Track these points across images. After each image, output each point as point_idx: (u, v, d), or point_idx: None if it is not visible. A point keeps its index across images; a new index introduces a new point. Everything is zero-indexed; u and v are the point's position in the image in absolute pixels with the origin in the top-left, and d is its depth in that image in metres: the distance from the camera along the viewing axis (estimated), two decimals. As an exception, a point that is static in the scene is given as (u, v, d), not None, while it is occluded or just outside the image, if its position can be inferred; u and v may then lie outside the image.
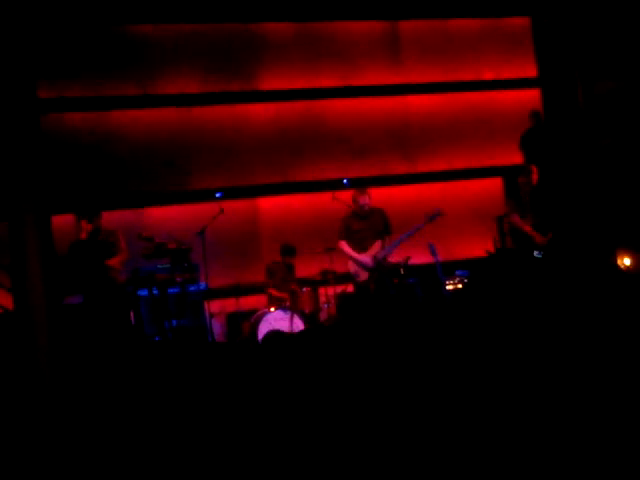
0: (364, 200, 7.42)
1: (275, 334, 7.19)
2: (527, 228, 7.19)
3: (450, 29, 10.00)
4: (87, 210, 6.89)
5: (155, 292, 7.35)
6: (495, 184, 9.87)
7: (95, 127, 8.65)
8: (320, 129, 9.46)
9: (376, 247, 7.36)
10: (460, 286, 7.85)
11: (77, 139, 8.57)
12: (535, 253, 6.83)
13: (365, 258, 7.33)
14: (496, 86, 10.00)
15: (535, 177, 7.41)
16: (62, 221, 7.90)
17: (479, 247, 9.22)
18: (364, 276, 7.36)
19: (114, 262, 6.78)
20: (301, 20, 9.44)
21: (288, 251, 8.36)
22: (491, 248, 8.53)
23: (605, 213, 8.16)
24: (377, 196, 7.78)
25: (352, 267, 7.47)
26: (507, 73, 10.06)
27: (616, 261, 7.30)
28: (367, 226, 7.42)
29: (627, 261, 7.28)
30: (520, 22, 10.21)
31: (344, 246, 7.45)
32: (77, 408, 4.16)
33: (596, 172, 8.67)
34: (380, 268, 7.29)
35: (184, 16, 8.94)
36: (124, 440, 3.50)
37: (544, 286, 5.73)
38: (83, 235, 6.80)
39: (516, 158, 9.20)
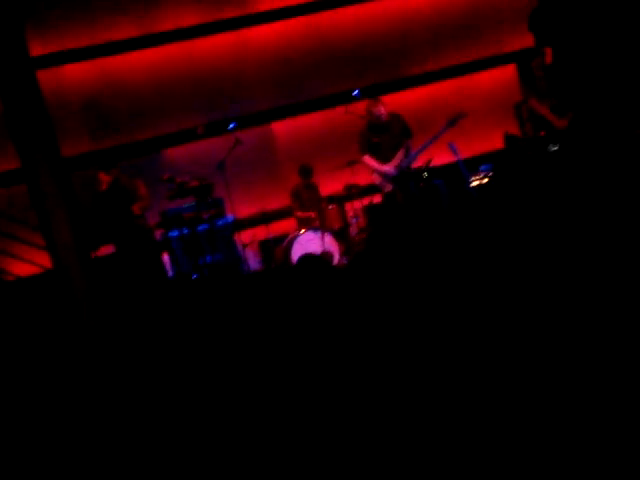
0: (379, 110, 7.25)
1: (307, 258, 7.24)
2: (545, 112, 7.03)
3: None
4: (104, 162, 6.92)
5: (185, 231, 7.42)
6: (509, 72, 9.60)
7: (96, 76, 8.57)
8: (322, 43, 9.23)
9: (399, 156, 7.26)
10: (485, 181, 7.75)
11: (80, 90, 8.53)
12: (550, 147, 6.67)
13: (389, 168, 7.24)
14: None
15: (549, 58, 7.18)
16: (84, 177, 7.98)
17: (500, 139, 9.09)
18: (390, 186, 7.32)
19: (134, 209, 6.85)
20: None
21: (306, 172, 8.34)
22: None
23: (627, 85, 7.91)
24: (391, 103, 7.64)
25: (377, 179, 7.41)
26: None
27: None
28: (387, 137, 7.29)
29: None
30: None
31: (368, 159, 7.34)
32: (121, 353, 4.29)
33: (614, 44, 8.35)
34: (404, 176, 7.22)
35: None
36: (166, 375, 3.61)
37: (563, 178, 5.64)
38: (103, 187, 6.85)
39: (527, 41, 8.88)
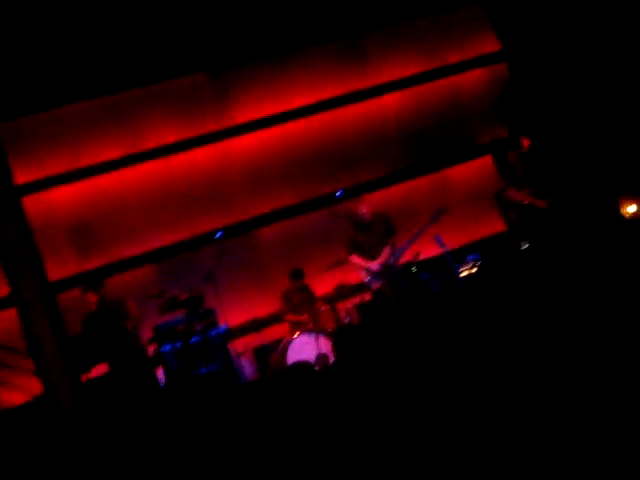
0: (362, 210, 7.44)
1: (300, 367, 7.16)
2: (526, 199, 7.18)
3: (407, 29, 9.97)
4: (91, 282, 6.93)
5: (178, 345, 7.34)
6: (486, 162, 9.80)
7: (81, 197, 8.69)
8: (304, 148, 9.45)
9: (385, 253, 7.35)
10: (474, 270, 7.80)
11: (66, 212, 8.62)
12: (522, 245, 6.77)
13: (373, 265, 7.33)
14: (463, 67, 9.93)
15: (526, 145, 7.38)
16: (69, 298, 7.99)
17: (483, 227, 9.22)
18: (377, 284, 7.36)
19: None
20: (262, 59, 9.44)
21: (296, 275, 8.36)
22: (499, 226, 8.51)
23: (604, 165, 8.10)
24: (374, 201, 7.81)
25: (365, 277, 7.50)
26: (471, 53, 10.00)
27: (620, 210, 7.26)
28: (373, 236, 7.44)
29: (631, 209, 7.24)
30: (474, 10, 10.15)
31: (354, 258, 7.49)
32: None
33: (591, 127, 8.60)
34: (390, 272, 7.27)
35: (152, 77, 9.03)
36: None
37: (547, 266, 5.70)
38: (93, 307, 6.83)
39: (500, 132, 9.16)
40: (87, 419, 5.11)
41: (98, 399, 5.93)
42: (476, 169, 9.78)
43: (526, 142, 7.33)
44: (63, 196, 8.62)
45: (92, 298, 6.86)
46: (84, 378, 6.32)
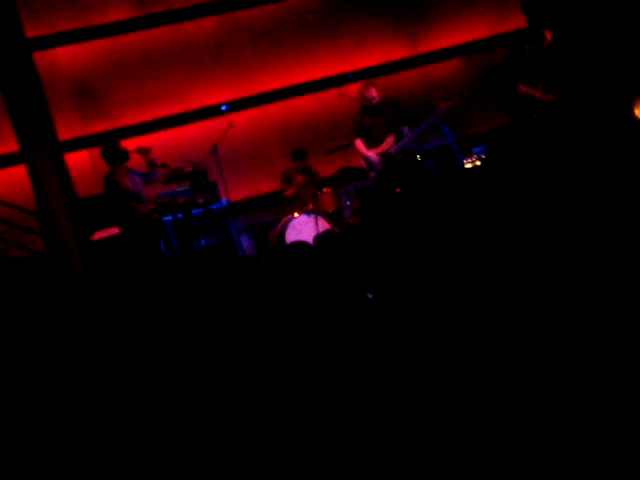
0: (370, 93, 7.29)
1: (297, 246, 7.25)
2: (538, 94, 7.09)
3: None
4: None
5: (179, 216, 7.42)
6: (500, 55, 9.58)
7: (88, 59, 8.53)
8: (318, 24, 9.22)
9: (388, 142, 7.27)
10: (478, 163, 7.78)
11: (73, 73, 8.49)
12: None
13: (372, 155, 7.27)
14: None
15: (549, 39, 7.19)
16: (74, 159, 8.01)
17: (492, 120, 9.15)
18: (374, 173, 7.35)
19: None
20: None
21: (299, 155, 8.32)
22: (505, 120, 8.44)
23: (620, 63, 7.95)
24: (385, 84, 7.69)
25: (364, 164, 7.47)
26: None
27: (633, 112, 7.18)
28: (379, 120, 7.31)
29: (644, 111, 7.16)
30: None
31: (358, 144, 7.41)
32: (122, 336, 4.32)
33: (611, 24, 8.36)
34: (390, 161, 7.23)
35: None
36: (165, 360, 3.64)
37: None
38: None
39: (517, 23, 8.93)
40: (92, 278, 5.26)
41: (105, 259, 6.07)
42: (489, 59, 9.58)
43: (549, 35, 7.13)
44: (70, 55, 8.47)
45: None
46: (90, 238, 6.44)
